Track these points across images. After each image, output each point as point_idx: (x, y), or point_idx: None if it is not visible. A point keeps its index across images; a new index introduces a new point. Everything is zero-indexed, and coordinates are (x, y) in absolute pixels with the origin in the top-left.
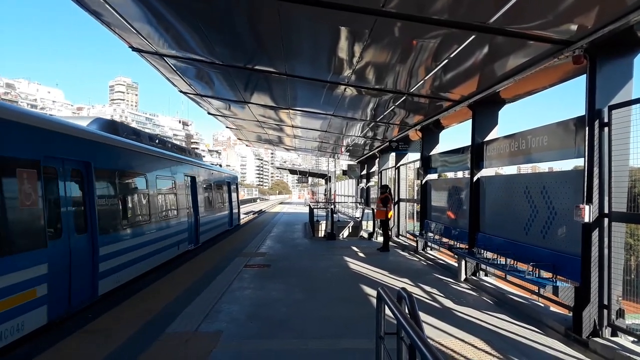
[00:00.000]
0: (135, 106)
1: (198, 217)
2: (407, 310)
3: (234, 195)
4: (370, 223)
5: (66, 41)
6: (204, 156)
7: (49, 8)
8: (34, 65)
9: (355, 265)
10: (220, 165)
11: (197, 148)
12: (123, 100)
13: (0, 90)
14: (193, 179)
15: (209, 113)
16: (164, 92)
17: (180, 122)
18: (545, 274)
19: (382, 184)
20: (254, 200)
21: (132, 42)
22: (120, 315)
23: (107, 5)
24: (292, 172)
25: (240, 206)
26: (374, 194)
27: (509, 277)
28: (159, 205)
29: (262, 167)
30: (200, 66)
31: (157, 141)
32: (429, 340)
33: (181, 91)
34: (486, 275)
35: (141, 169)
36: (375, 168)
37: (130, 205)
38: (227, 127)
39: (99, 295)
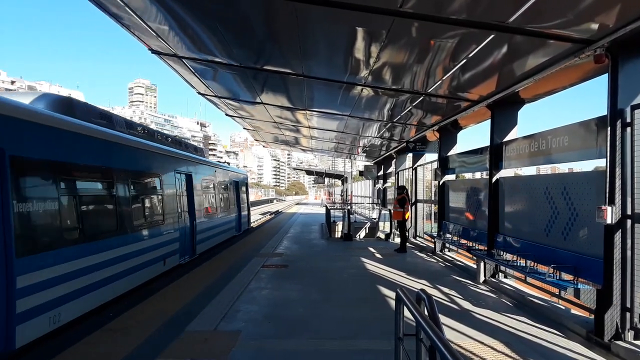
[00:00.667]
0: (154, 108)
1: (194, 223)
2: (426, 312)
3: (243, 196)
4: (387, 224)
5: (86, 43)
6: (221, 158)
7: (70, 10)
8: (55, 67)
9: (372, 266)
10: (229, 164)
11: (214, 149)
12: (142, 102)
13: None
14: (189, 177)
15: (226, 114)
16: (183, 94)
17: (198, 123)
18: (566, 276)
19: (399, 184)
20: (270, 201)
21: (152, 44)
22: (141, 314)
23: (127, 9)
24: (309, 172)
25: (257, 207)
26: (390, 194)
27: (529, 279)
28: (132, 211)
29: (278, 168)
30: (218, 68)
31: (140, 130)
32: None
33: (199, 93)
34: (505, 277)
35: (104, 162)
36: (392, 169)
37: (80, 209)
38: (244, 128)
39: None
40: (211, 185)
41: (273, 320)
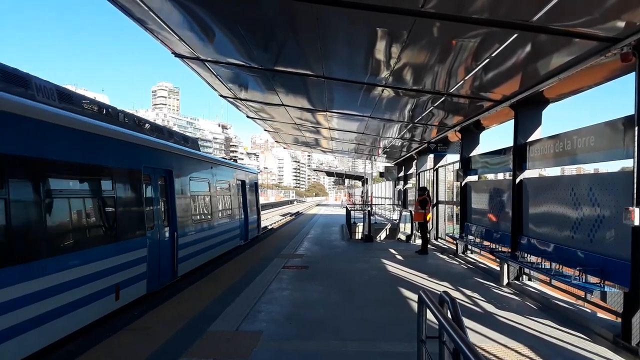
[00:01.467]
0: (177, 110)
1: (176, 235)
2: (449, 314)
3: (251, 198)
4: (408, 225)
5: (111, 47)
6: (242, 160)
7: (95, 14)
8: (81, 70)
9: (393, 267)
10: (235, 160)
11: (235, 151)
12: (165, 105)
13: None
14: (168, 173)
15: (247, 116)
16: (204, 96)
17: (219, 125)
18: (593, 279)
19: (420, 186)
20: (290, 202)
21: (175, 48)
22: (164, 314)
23: (152, 13)
24: (329, 174)
25: (278, 208)
26: (411, 196)
27: (554, 282)
28: (56, 224)
29: (299, 169)
30: (240, 71)
31: (86, 106)
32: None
33: (221, 95)
34: (530, 279)
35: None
36: (412, 170)
37: None
38: (265, 130)
39: None
40: (205, 186)
41: (294, 321)
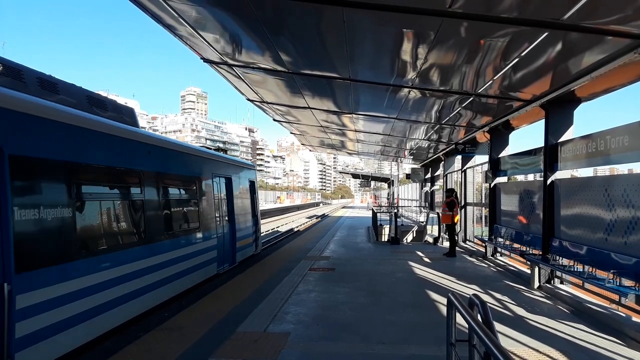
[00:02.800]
0: (205, 115)
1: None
2: (479, 317)
3: (243, 203)
4: (436, 227)
5: (141, 53)
6: (269, 162)
7: (126, 20)
8: (112, 76)
9: (420, 270)
10: (223, 148)
11: (262, 154)
12: (193, 109)
13: None
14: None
15: (274, 119)
16: (231, 100)
17: (246, 129)
18: (627, 282)
19: (448, 187)
20: (317, 204)
21: (203, 53)
22: (194, 315)
23: (181, 20)
24: (355, 176)
25: (304, 210)
26: (438, 197)
27: (587, 285)
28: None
29: (324, 171)
30: (267, 74)
31: None
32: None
33: (248, 99)
34: (562, 282)
35: None
36: (440, 171)
37: None
38: (291, 133)
39: None
40: (151, 185)
41: (322, 322)
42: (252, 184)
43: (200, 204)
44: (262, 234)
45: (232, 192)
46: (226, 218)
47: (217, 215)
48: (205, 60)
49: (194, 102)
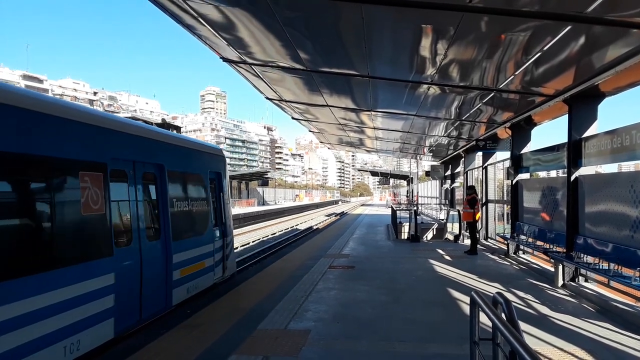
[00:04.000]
0: (224, 114)
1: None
2: (503, 316)
3: (186, 205)
4: (456, 225)
5: (161, 53)
6: (287, 161)
7: (145, 20)
8: (132, 77)
9: (441, 268)
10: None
11: (280, 152)
12: (213, 108)
13: (105, 102)
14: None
15: (292, 117)
16: (250, 99)
17: (265, 127)
18: None
19: (469, 184)
20: (335, 202)
21: (223, 53)
22: (215, 312)
23: (201, 20)
24: (373, 174)
25: (323, 208)
26: (459, 195)
27: (613, 283)
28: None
29: (343, 169)
30: (285, 73)
31: None
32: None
33: (267, 98)
34: (586, 280)
35: None
36: (460, 168)
37: None
38: (309, 131)
39: None
40: None
41: (342, 320)
42: (215, 178)
43: (68, 213)
44: (280, 234)
45: (166, 189)
46: (148, 232)
47: (120, 228)
48: (225, 59)
49: (213, 101)
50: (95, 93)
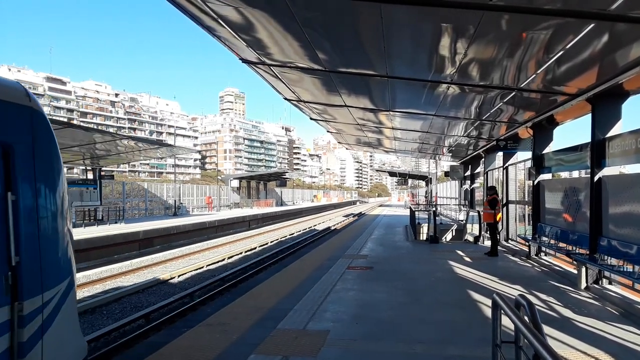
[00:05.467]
0: (243, 115)
1: None
2: (526, 319)
3: None
4: (476, 226)
5: (180, 54)
6: (305, 162)
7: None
8: (153, 78)
9: (460, 269)
10: None
11: (298, 153)
12: (232, 109)
13: (126, 104)
14: None
15: (311, 118)
16: (268, 100)
17: (283, 128)
18: None
19: (489, 185)
20: (353, 202)
21: (242, 54)
22: (235, 311)
23: (220, 21)
24: (392, 174)
25: (341, 209)
26: (479, 196)
27: (637, 286)
28: None
29: (361, 170)
30: (304, 73)
31: None
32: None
33: (285, 98)
34: (610, 283)
35: None
36: (480, 169)
37: None
38: (327, 132)
39: None
40: None
41: (361, 321)
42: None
43: None
44: (298, 234)
45: None
46: None
47: None
48: (244, 60)
49: (232, 102)
50: (117, 95)
